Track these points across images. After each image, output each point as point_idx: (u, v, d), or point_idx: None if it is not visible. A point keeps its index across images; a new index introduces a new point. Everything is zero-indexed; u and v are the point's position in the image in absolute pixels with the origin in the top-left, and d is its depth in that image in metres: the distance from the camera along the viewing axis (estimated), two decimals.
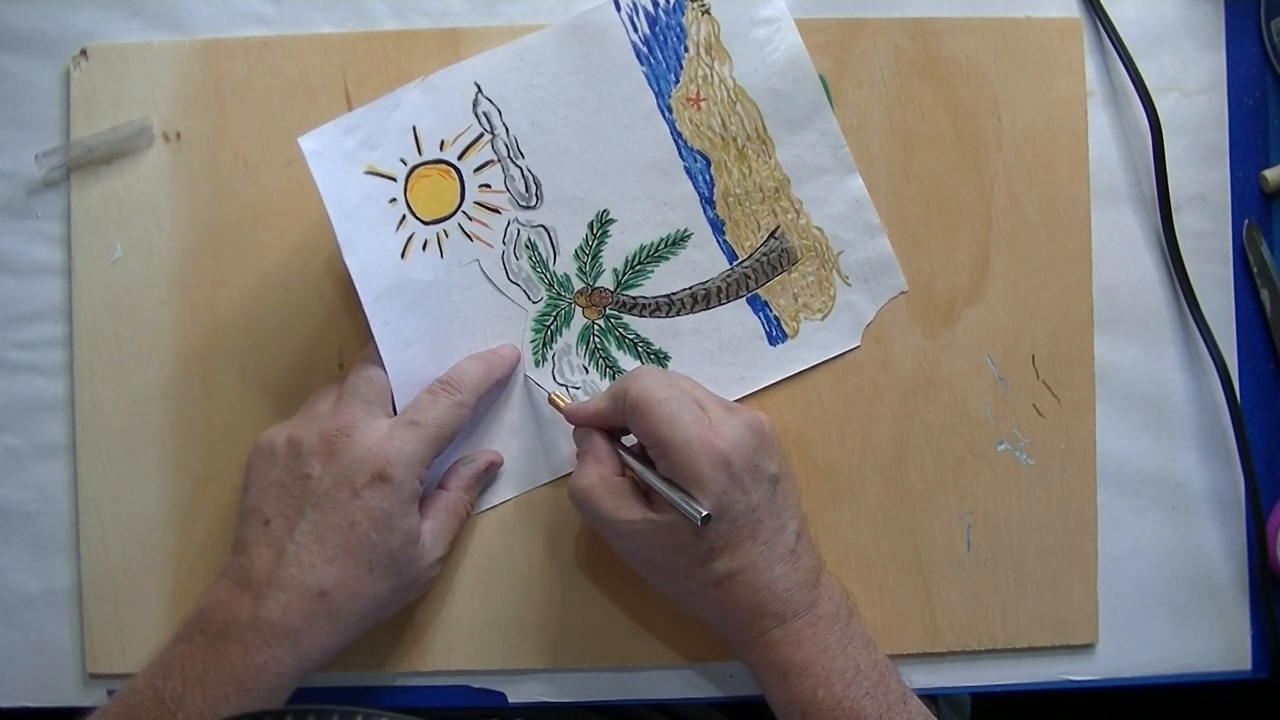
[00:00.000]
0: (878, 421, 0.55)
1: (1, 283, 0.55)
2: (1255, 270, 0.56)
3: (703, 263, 0.55)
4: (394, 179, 0.53)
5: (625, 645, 0.54)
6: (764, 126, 0.55)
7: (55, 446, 0.55)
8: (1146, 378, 0.56)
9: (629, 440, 0.50)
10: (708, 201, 0.55)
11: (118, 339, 0.54)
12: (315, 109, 0.54)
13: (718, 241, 0.55)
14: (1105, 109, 0.56)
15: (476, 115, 0.54)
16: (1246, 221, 0.56)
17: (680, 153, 0.55)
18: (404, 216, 0.53)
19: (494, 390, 0.53)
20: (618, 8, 0.54)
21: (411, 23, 0.55)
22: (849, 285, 0.55)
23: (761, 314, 0.55)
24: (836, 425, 0.55)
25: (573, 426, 0.52)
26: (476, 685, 0.54)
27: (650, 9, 0.54)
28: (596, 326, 0.55)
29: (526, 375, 0.54)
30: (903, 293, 0.55)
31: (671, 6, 0.54)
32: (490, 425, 0.54)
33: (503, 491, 0.54)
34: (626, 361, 0.55)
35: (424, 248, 0.53)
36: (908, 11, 0.55)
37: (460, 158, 0.54)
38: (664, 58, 0.54)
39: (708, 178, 0.55)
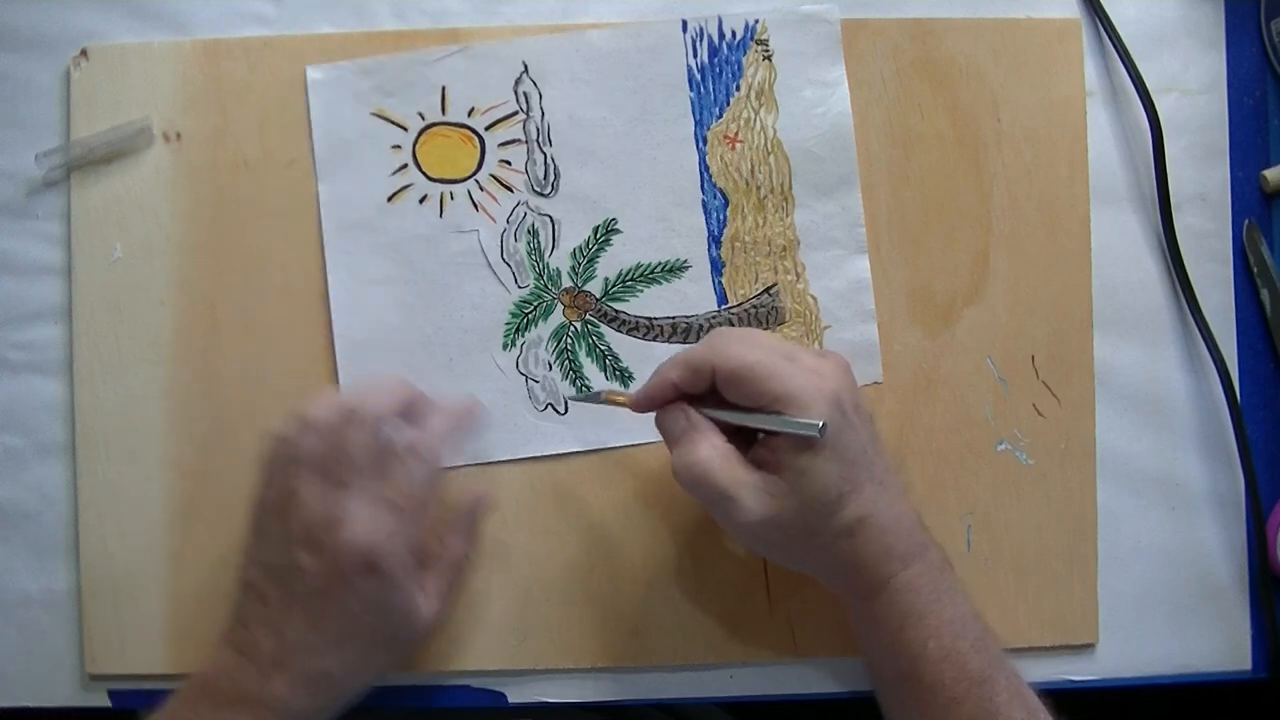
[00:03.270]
0: (878, 421, 0.55)
1: (1, 283, 0.55)
2: (1255, 270, 0.56)
3: (693, 296, 0.55)
4: (405, 128, 0.54)
5: (625, 645, 0.54)
6: (790, 184, 0.55)
7: (55, 446, 0.55)
8: (1146, 378, 0.56)
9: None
10: (715, 240, 0.55)
11: (118, 339, 0.54)
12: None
13: (713, 281, 0.55)
14: (1105, 109, 0.56)
15: (515, 93, 0.54)
16: (1246, 221, 0.56)
17: (703, 185, 0.55)
18: (405, 165, 0.54)
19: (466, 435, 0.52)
20: (684, 28, 0.54)
21: (411, 23, 0.55)
22: None
23: None
24: None
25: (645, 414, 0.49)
26: (476, 685, 0.54)
27: (715, 38, 0.54)
28: (573, 328, 0.55)
29: (567, 399, 0.54)
30: (875, 383, 0.55)
31: (736, 42, 0.54)
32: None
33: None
34: (591, 370, 0.54)
35: (421, 201, 0.54)
36: (908, 11, 0.55)
37: (487, 129, 0.54)
38: (714, 90, 0.54)
39: (721, 217, 0.55)
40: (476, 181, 0.54)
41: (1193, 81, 0.56)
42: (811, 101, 0.55)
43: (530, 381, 0.54)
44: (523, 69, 0.54)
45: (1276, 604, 0.55)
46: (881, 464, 0.47)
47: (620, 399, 0.50)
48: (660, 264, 0.55)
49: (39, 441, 0.55)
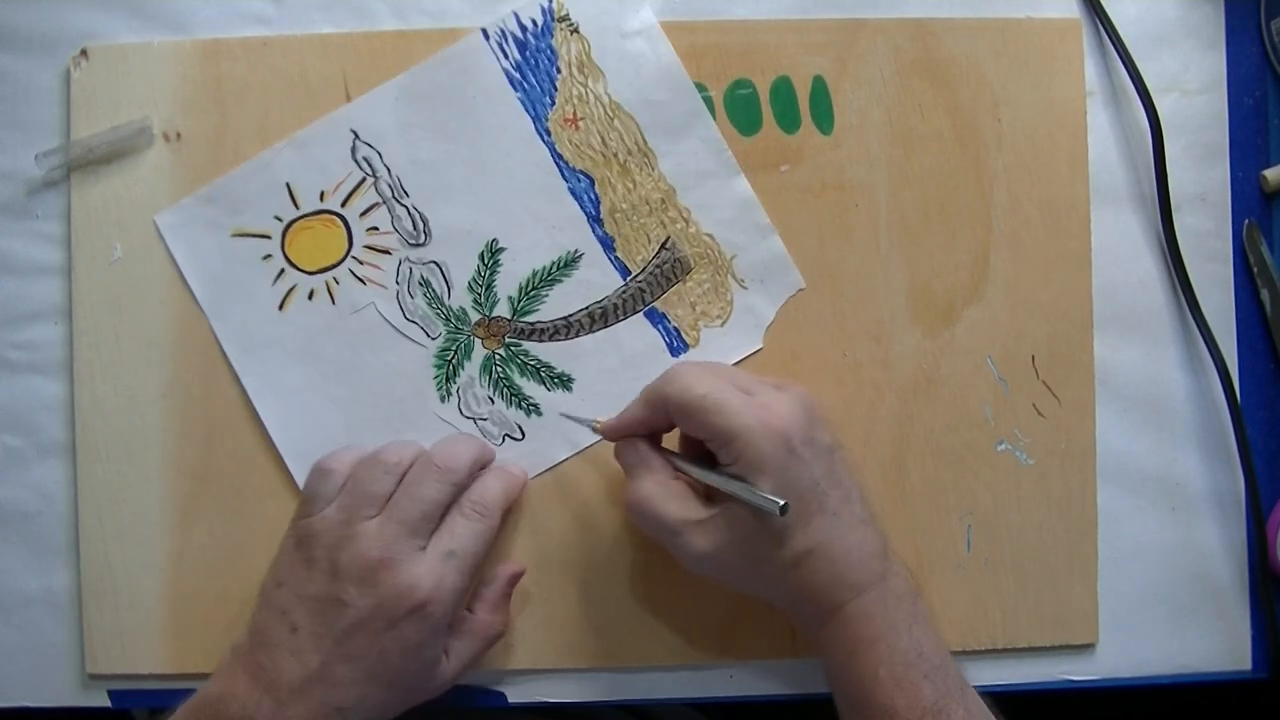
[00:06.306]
0: (878, 421, 0.55)
1: (1, 283, 0.55)
2: (1255, 270, 0.56)
3: (597, 281, 0.54)
4: (267, 236, 0.54)
5: (625, 645, 0.54)
6: (644, 139, 0.54)
7: (55, 446, 0.55)
8: (1146, 378, 0.56)
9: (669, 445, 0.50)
10: (595, 220, 0.54)
11: (118, 339, 0.54)
12: (315, 109, 0.54)
13: (609, 259, 0.54)
14: (1105, 109, 0.56)
15: (356, 161, 0.54)
16: (1246, 221, 0.56)
17: (563, 174, 0.54)
18: (282, 270, 0.54)
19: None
20: (486, 37, 0.54)
21: (411, 23, 0.55)
22: (745, 288, 0.55)
23: (661, 326, 0.55)
24: (836, 425, 0.54)
25: (611, 444, 0.51)
26: (476, 685, 0.54)
27: (519, 34, 0.54)
28: (497, 356, 0.54)
29: (562, 414, 0.54)
30: (800, 289, 0.55)
31: (540, 30, 0.54)
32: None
33: None
34: (530, 388, 0.54)
35: (310, 297, 0.54)
36: (908, 11, 0.55)
37: (343, 205, 0.54)
38: (537, 81, 0.54)
39: (593, 196, 0.54)
40: (354, 258, 0.54)
41: (1193, 81, 0.56)
42: (632, 53, 0.54)
43: (479, 422, 0.54)
44: (354, 136, 0.54)
45: (1276, 604, 0.55)
46: (838, 495, 0.47)
47: (597, 425, 0.51)
48: (553, 263, 0.54)
49: (39, 441, 0.55)
